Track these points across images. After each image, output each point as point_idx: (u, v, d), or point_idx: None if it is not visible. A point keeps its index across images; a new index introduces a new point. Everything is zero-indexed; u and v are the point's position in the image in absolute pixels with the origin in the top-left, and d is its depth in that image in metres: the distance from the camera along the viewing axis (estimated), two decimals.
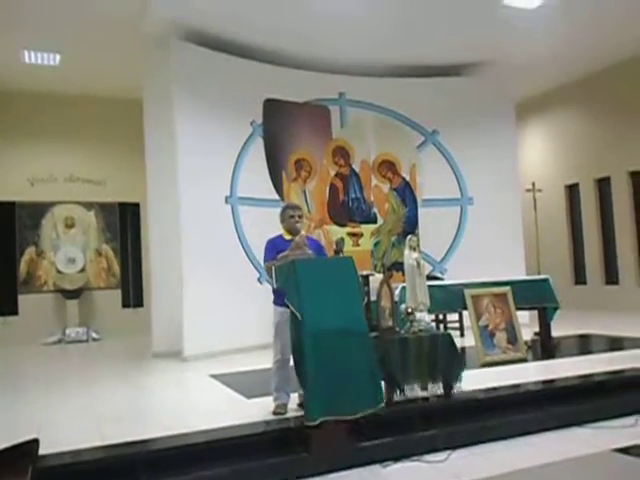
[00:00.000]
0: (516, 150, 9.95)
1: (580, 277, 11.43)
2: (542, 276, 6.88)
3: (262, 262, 4.36)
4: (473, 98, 9.41)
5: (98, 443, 3.52)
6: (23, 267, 10.34)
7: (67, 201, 10.67)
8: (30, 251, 10.40)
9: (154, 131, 7.92)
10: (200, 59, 7.79)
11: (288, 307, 3.69)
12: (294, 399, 4.12)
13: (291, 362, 3.90)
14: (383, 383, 4.02)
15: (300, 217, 4.28)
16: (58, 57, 8.77)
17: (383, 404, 3.64)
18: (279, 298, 3.97)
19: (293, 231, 4.19)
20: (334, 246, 4.23)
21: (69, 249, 10.62)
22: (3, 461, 2.17)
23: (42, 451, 3.20)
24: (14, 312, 10.17)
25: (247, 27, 7.76)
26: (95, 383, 5.86)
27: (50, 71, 9.24)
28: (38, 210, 10.48)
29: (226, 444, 3.52)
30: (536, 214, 9.20)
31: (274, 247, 4.16)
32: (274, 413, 4.00)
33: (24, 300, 10.26)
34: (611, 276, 10.80)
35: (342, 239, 4.25)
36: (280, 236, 4.29)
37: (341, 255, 4.13)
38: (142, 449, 3.46)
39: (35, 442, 2.32)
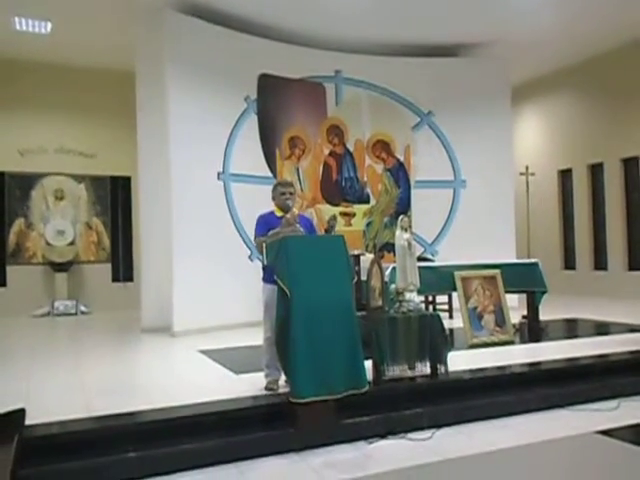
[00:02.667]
0: (511, 134, 9.93)
1: (569, 262, 11.52)
2: (531, 260, 6.92)
3: (253, 238, 4.33)
4: (470, 80, 9.34)
5: (86, 415, 3.53)
6: (12, 238, 10.25)
7: (57, 173, 10.55)
8: (19, 222, 10.30)
9: (146, 104, 7.80)
10: (194, 31, 7.65)
11: (277, 284, 3.69)
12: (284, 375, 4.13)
13: None
14: (371, 361, 4.05)
15: (291, 194, 4.25)
16: (49, 25, 8.57)
17: (367, 387, 3.65)
18: (269, 275, 3.94)
19: (284, 208, 4.17)
20: (326, 224, 4.20)
21: (59, 221, 10.52)
22: None
23: (29, 421, 3.21)
24: (2, 284, 10.11)
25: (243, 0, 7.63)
26: (83, 356, 5.85)
27: (41, 39, 9.04)
28: (28, 181, 10.36)
29: (214, 418, 3.54)
30: (528, 198, 9.21)
31: (265, 223, 4.14)
32: (266, 389, 4.02)
33: (12, 271, 10.20)
34: (600, 262, 10.88)
35: (334, 217, 4.22)
36: (272, 212, 4.27)
37: (333, 233, 4.11)
38: (130, 421, 3.48)
39: (21, 412, 2.32)
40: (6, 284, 10.14)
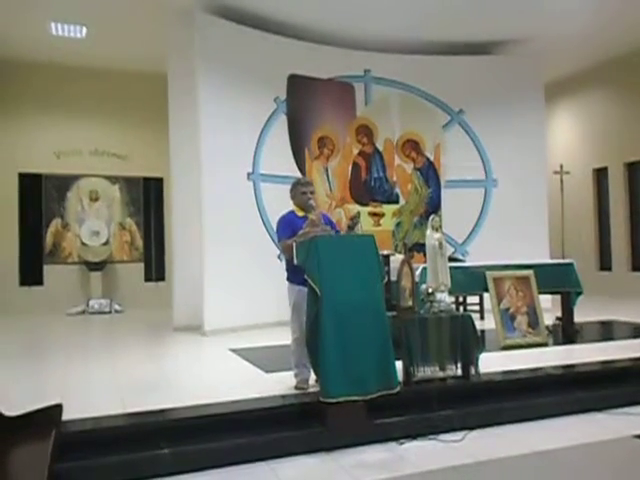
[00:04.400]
0: (544, 132, 9.73)
1: (605, 263, 11.24)
2: (566, 260, 6.77)
3: (277, 240, 4.31)
4: (502, 78, 9.20)
5: (120, 411, 3.59)
6: (49, 238, 10.52)
7: (92, 174, 10.79)
8: (56, 223, 10.57)
9: (178, 106, 7.92)
10: (225, 33, 7.73)
11: (305, 285, 3.69)
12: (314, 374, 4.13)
13: None
14: (401, 362, 4.03)
15: (312, 193, 4.21)
16: (84, 30, 8.78)
17: (398, 388, 3.63)
18: (296, 276, 3.93)
19: (306, 208, 4.13)
20: (349, 221, 4.15)
21: (93, 222, 10.76)
22: (28, 423, 2.23)
23: (65, 417, 3.28)
24: (39, 282, 10.39)
25: (272, 1, 7.67)
26: (117, 354, 5.97)
27: (77, 44, 9.27)
28: (64, 182, 10.62)
29: (244, 416, 3.57)
30: (563, 197, 9.02)
31: (288, 224, 4.10)
32: (296, 388, 4.03)
33: (49, 270, 10.47)
34: (637, 262, 10.59)
35: (358, 213, 4.18)
36: (292, 212, 4.23)
37: (357, 229, 4.06)
38: (163, 418, 3.53)
39: (59, 407, 2.37)
40: (43, 283, 10.41)
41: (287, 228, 4.09)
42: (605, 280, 10.84)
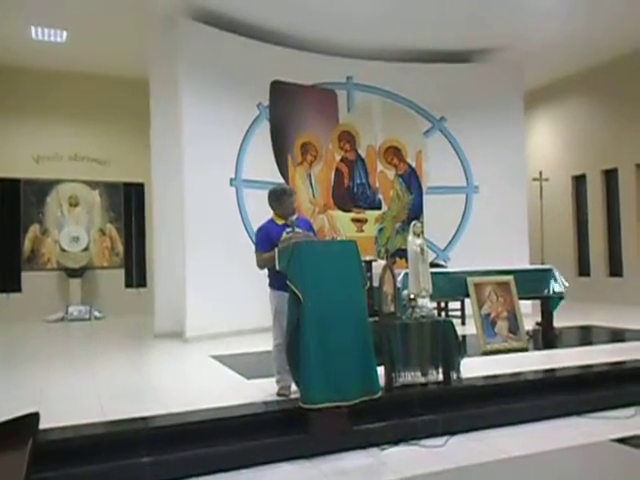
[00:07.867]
0: (524, 139, 9.87)
1: (584, 269, 11.40)
2: (545, 266, 6.86)
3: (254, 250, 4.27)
4: (482, 85, 9.32)
5: (99, 419, 3.54)
6: (27, 244, 10.36)
7: (72, 179, 10.67)
8: (34, 228, 10.42)
9: (160, 111, 7.88)
10: (207, 39, 7.72)
11: (286, 290, 3.67)
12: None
13: None
14: (382, 368, 4.03)
15: (294, 203, 4.32)
16: (65, 34, 8.70)
17: (380, 393, 3.64)
18: (277, 282, 3.92)
19: (288, 216, 4.14)
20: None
21: (73, 228, 10.63)
22: (3, 433, 2.17)
23: (43, 425, 3.22)
24: (17, 289, 10.22)
25: (256, 7, 7.68)
26: (96, 361, 5.89)
27: (57, 48, 9.18)
28: (43, 188, 10.48)
29: (226, 423, 3.55)
30: (542, 204, 9.13)
31: (267, 237, 4.07)
32: (278, 394, 4.01)
33: (27, 277, 10.30)
34: (615, 268, 10.76)
35: None
36: (271, 221, 4.21)
37: None
38: (143, 426, 3.49)
39: (35, 416, 2.32)
40: (21, 289, 10.24)
41: (266, 241, 4.05)
42: (584, 285, 10.98)
